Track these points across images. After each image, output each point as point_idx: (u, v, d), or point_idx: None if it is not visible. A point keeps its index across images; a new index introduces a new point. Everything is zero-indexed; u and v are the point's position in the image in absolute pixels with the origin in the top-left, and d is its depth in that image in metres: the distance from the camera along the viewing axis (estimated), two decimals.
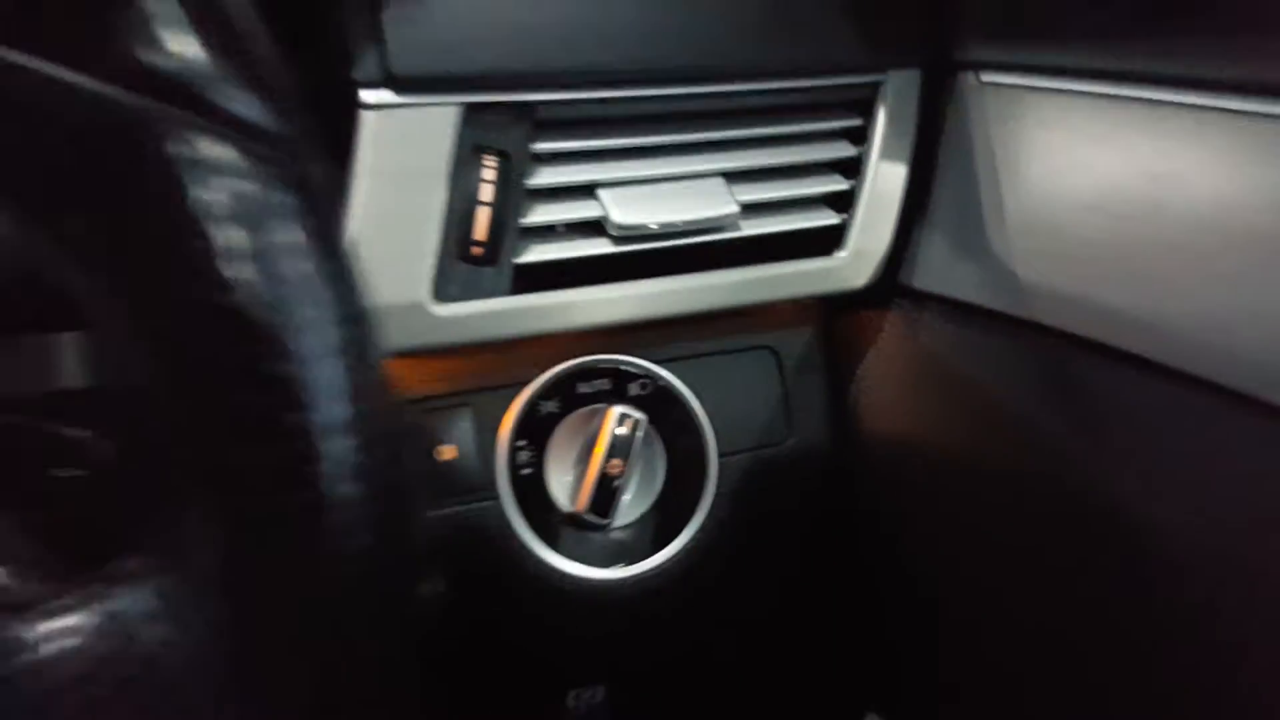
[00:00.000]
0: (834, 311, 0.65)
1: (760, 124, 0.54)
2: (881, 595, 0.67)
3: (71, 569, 0.22)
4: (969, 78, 0.54)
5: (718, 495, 0.60)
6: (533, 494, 0.57)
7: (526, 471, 0.56)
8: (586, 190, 0.51)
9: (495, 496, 0.56)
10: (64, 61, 0.20)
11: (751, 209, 0.55)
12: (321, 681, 0.24)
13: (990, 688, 0.58)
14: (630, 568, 0.59)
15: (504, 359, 0.55)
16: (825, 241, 0.58)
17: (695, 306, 0.56)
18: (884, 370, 0.62)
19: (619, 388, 0.58)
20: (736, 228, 0.55)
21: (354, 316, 0.24)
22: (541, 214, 0.50)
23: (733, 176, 0.54)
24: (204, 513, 0.21)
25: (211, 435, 0.21)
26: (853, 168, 0.57)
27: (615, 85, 0.49)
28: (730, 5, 0.51)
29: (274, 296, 0.22)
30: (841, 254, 0.58)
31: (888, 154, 0.57)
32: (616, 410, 0.56)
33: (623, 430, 0.56)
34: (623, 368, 0.59)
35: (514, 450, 0.55)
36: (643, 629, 0.63)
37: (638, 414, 0.56)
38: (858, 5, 0.53)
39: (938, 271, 0.57)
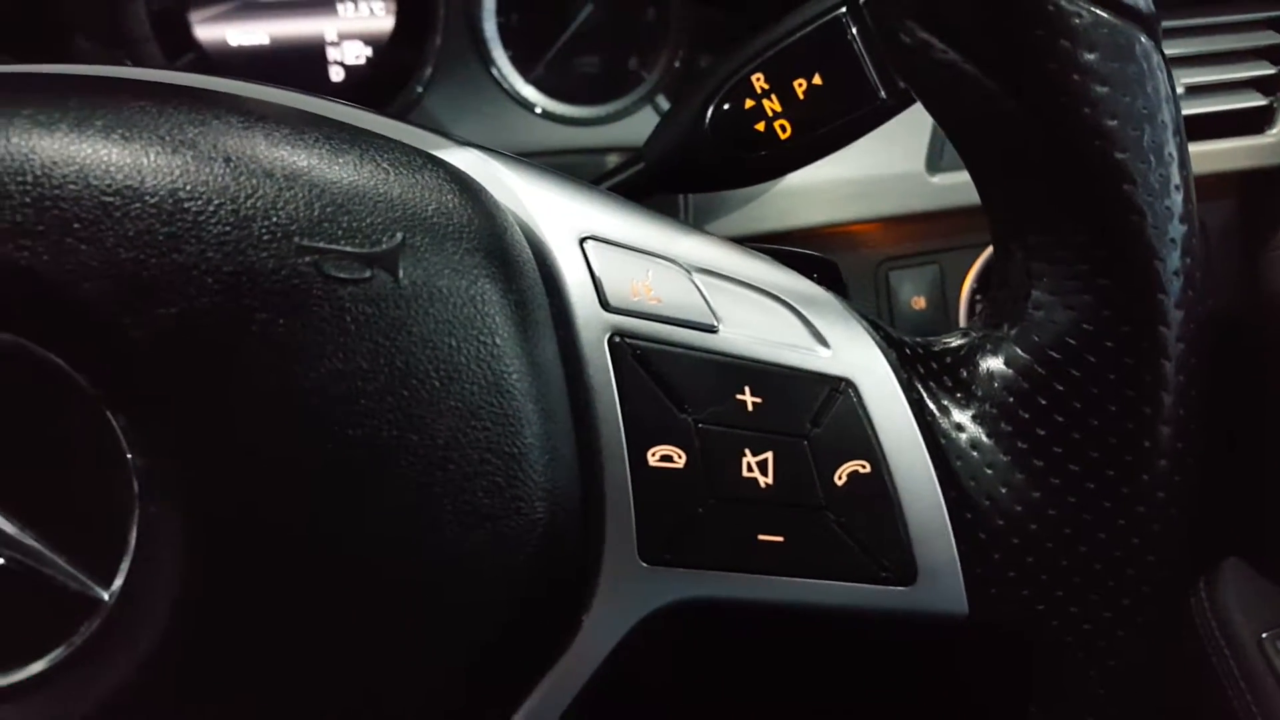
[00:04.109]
0: (1253, 183, 0.71)
1: (1197, 14, 0.62)
2: (1263, 446, 0.71)
3: None
4: None
5: None
6: None
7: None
8: None
9: None
10: None
11: (1189, 91, 0.63)
12: None
13: None
14: None
15: (969, 223, 0.66)
16: (1254, 121, 0.65)
17: None
18: None
19: None
20: None
21: (1186, 179, 0.28)
22: None
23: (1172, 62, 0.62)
24: None
25: None
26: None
27: None
28: None
29: (1133, 141, 0.27)
30: (1272, 131, 0.65)
31: None
32: None
33: None
34: None
35: (973, 302, 0.66)
36: None
37: None
38: None
39: None
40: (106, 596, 0.24)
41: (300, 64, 0.75)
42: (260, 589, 0.24)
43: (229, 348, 0.23)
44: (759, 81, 0.44)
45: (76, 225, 0.23)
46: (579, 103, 0.77)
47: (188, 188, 0.24)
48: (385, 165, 0.27)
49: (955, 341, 0.31)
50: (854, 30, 0.42)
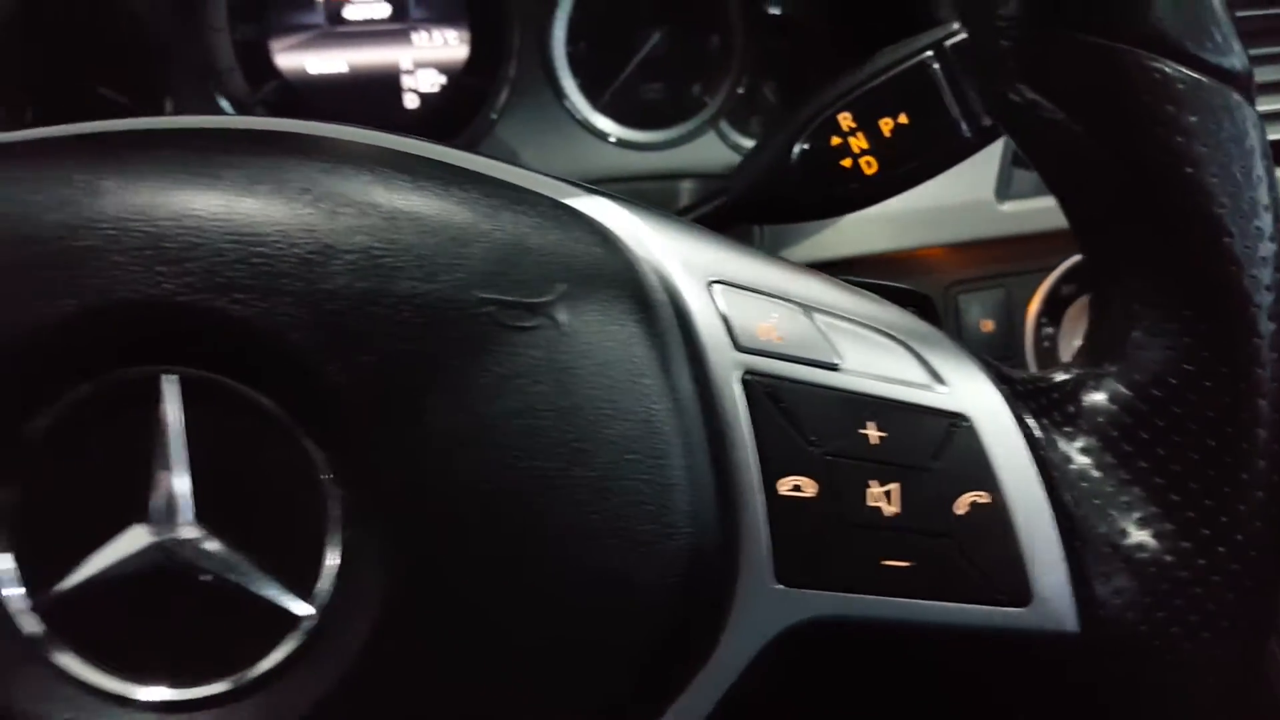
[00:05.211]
0: None
1: (1264, 44, 0.64)
2: None
3: None
4: None
5: None
6: (1048, 362, 0.69)
7: (1046, 345, 0.68)
8: None
9: (1024, 365, 0.68)
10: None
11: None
12: None
13: None
14: None
15: (1034, 246, 0.68)
16: None
17: None
18: None
19: None
20: None
21: (1279, 228, 0.30)
22: None
23: None
24: None
25: None
26: None
27: None
28: None
29: (1230, 196, 0.29)
30: None
31: None
32: None
33: None
34: None
35: (1039, 325, 0.68)
36: None
37: None
38: None
39: None
40: (310, 613, 0.26)
41: (376, 91, 0.78)
42: (447, 609, 0.26)
43: (420, 389, 0.26)
44: (846, 120, 0.46)
45: (284, 280, 0.26)
46: (643, 128, 0.79)
47: (380, 245, 0.26)
48: (538, 219, 0.29)
49: (1060, 377, 0.33)
50: (940, 72, 0.44)
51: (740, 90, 0.79)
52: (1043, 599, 0.30)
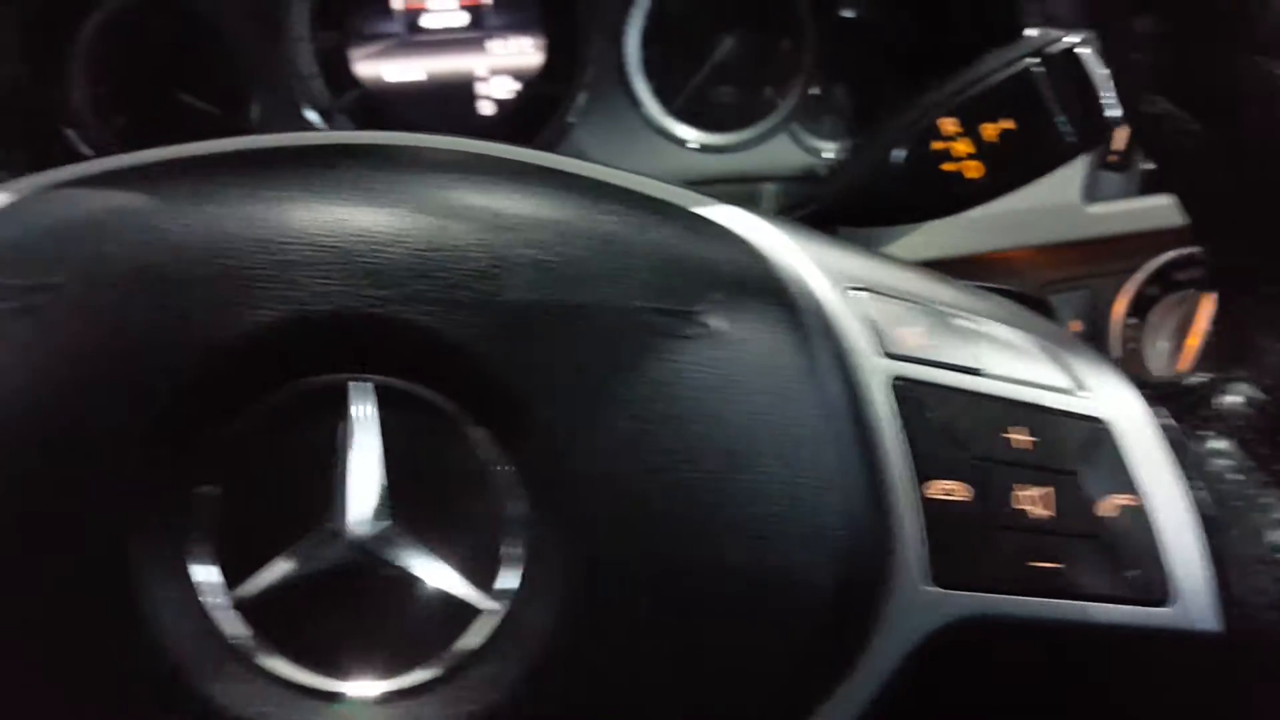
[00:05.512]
0: None
1: None
2: None
3: None
4: None
5: None
6: (1133, 364, 0.69)
7: (1131, 346, 0.68)
8: None
9: None
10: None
11: None
12: None
13: None
14: None
15: (1116, 247, 0.68)
16: None
17: None
18: None
19: None
20: None
21: None
22: None
23: None
24: None
25: None
26: None
27: None
28: None
29: None
30: None
31: None
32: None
33: None
34: None
35: (1125, 325, 0.68)
36: None
37: None
38: None
39: None
40: (494, 605, 0.27)
41: (452, 99, 0.80)
42: (623, 604, 0.27)
43: (597, 391, 0.27)
44: (949, 125, 0.47)
45: (465, 293, 0.27)
46: (715, 130, 0.80)
47: (548, 258, 0.27)
48: (681, 230, 0.30)
49: (1192, 381, 0.33)
50: (1044, 78, 0.45)
51: (812, 92, 0.79)
52: (1184, 599, 0.31)
